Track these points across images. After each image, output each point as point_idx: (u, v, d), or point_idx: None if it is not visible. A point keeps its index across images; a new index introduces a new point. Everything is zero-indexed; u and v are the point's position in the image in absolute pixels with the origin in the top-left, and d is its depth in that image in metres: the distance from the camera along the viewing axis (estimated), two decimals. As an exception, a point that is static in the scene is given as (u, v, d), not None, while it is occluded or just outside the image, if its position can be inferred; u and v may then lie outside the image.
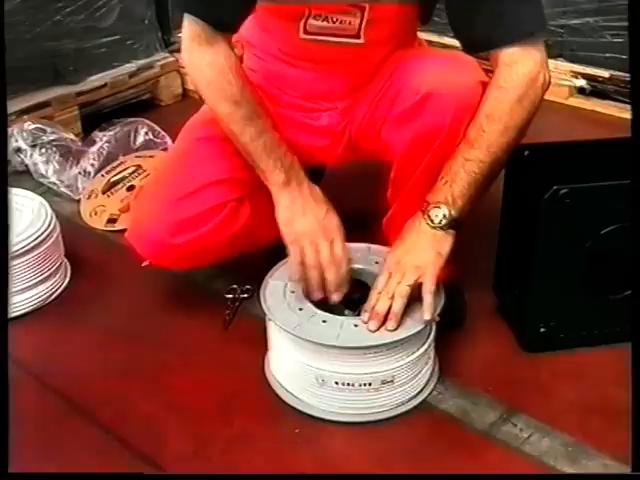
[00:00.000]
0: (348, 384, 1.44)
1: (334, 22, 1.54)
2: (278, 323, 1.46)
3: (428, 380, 1.54)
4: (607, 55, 2.61)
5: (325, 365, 1.44)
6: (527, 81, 1.44)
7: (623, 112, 2.56)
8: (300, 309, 1.49)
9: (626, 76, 2.54)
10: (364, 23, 1.54)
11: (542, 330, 1.59)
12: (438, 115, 1.48)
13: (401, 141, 1.54)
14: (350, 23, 1.54)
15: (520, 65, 1.44)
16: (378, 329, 1.43)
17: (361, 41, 1.57)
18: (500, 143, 1.45)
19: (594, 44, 2.63)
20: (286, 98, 1.70)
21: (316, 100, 1.69)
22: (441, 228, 1.46)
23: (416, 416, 1.49)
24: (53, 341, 1.73)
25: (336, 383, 1.44)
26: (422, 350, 1.48)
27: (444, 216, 1.45)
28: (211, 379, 1.60)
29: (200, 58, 1.56)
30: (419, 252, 1.46)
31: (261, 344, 1.59)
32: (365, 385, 1.44)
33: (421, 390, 1.52)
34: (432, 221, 1.46)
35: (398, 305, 1.43)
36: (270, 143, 1.54)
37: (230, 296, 1.80)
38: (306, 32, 1.56)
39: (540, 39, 1.47)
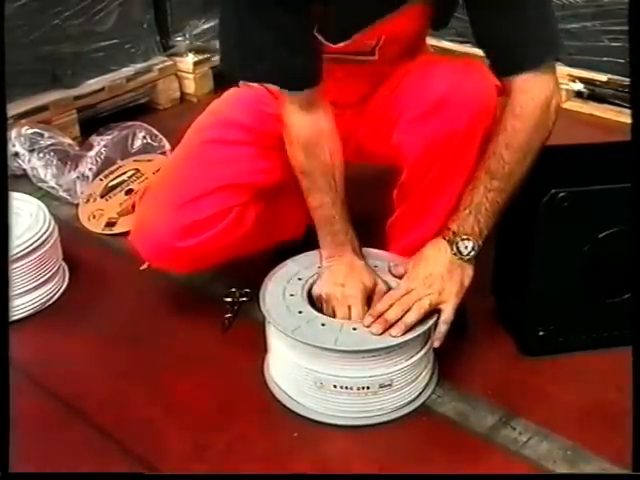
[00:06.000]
0: (346, 387, 1.44)
1: (352, 42, 1.54)
2: (277, 326, 1.46)
3: (427, 384, 1.54)
4: (605, 59, 2.62)
5: (323, 368, 1.44)
6: (542, 107, 1.46)
7: (621, 116, 2.56)
8: (299, 312, 1.49)
9: (624, 80, 2.55)
10: (380, 43, 1.55)
11: (541, 334, 1.59)
12: (452, 120, 1.47)
13: (413, 146, 1.53)
14: (366, 44, 1.55)
15: (536, 91, 1.46)
16: (381, 334, 1.43)
17: (375, 58, 1.58)
18: (520, 171, 1.47)
19: (592, 48, 2.64)
20: None
21: None
22: (468, 260, 1.49)
23: (415, 420, 1.49)
24: (51, 345, 1.73)
25: (334, 386, 1.44)
26: (421, 354, 1.48)
27: (472, 249, 1.48)
28: (210, 383, 1.60)
29: (298, 122, 1.55)
30: (445, 280, 1.48)
31: (260, 347, 1.59)
32: (363, 389, 1.44)
33: (420, 394, 1.52)
34: (461, 253, 1.48)
35: (413, 317, 1.43)
36: (324, 218, 1.57)
37: (229, 299, 1.80)
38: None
39: (553, 63, 1.49)
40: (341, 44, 1.52)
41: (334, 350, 1.41)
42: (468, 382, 1.57)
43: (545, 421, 1.46)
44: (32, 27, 2.47)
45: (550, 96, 1.47)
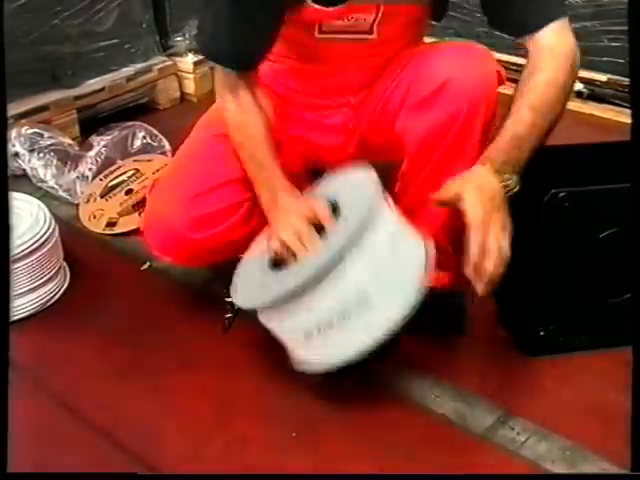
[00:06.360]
0: (327, 326, 1.39)
1: (349, 20, 1.56)
2: (237, 303, 1.49)
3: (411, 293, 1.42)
4: (604, 59, 2.62)
5: (296, 319, 1.40)
6: (572, 59, 1.49)
7: (621, 116, 2.56)
8: (263, 277, 1.48)
9: (624, 80, 2.55)
10: (378, 19, 1.56)
11: (541, 334, 1.60)
12: (454, 104, 1.48)
13: (416, 130, 1.53)
14: (365, 20, 1.56)
15: (562, 47, 1.48)
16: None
17: (374, 36, 1.59)
18: (556, 113, 1.46)
19: (591, 48, 2.63)
20: (297, 98, 1.71)
21: (329, 96, 1.70)
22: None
23: (413, 419, 1.50)
24: (51, 345, 1.73)
25: (319, 330, 1.40)
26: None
27: (514, 184, 1.43)
28: (210, 382, 1.60)
29: (234, 116, 1.62)
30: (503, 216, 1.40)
31: (260, 347, 1.60)
32: (344, 318, 1.38)
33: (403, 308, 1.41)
34: (506, 187, 1.42)
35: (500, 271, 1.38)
36: (256, 166, 1.59)
37: (230, 299, 1.80)
38: (321, 32, 1.58)
39: (567, 20, 1.51)
40: (338, 7, 1.52)
41: (292, 297, 1.37)
42: (467, 382, 1.57)
43: (544, 421, 1.47)
44: (32, 27, 2.47)
45: (574, 49, 1.50)
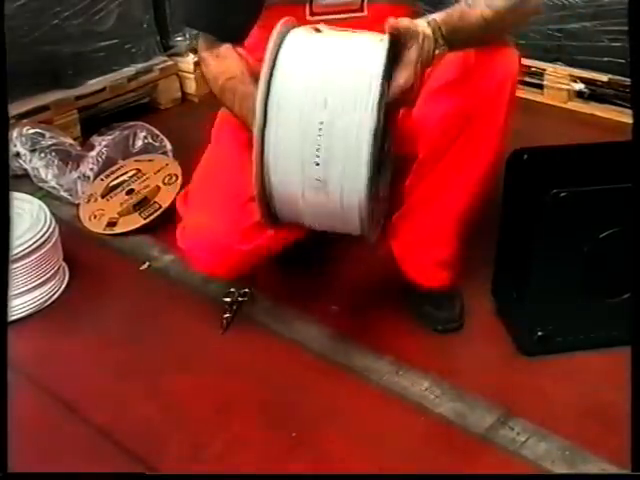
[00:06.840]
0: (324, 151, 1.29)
1: None
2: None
3: None
4: (605, 59, 2.61)
5: (295, 169, 1.32)
6: None
7: (622, 116, 2.56)
8: None
9: (625, 80, 2.54)
10: None
11: (540, 334, 1.59)
12: (482, 86, 1.48)
13: (439, 114, 1.52)
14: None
15: None
16: None
17: (365, 14, 1.59)
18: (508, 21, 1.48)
19: (592, 48, 2.63)
20: None
21: None
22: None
23: (413, 420, 1.49)
24: (51, 344, 1.73)
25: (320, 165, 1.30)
26: None
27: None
28: (209, 382, 1.60)
29: (214, 68, 1.59)
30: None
31: (259, 347, 1.60)
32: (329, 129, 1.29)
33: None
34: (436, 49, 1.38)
35: None
36: (241, 95, 1.52)
37: (228, 300, 1.80)
38: (312, 14, 1.58)
39: None
40: None
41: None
42: (466, 382, 1.57)
43: (543, 421, 1.47)
44: (32, 27, 2.47)
45: None
